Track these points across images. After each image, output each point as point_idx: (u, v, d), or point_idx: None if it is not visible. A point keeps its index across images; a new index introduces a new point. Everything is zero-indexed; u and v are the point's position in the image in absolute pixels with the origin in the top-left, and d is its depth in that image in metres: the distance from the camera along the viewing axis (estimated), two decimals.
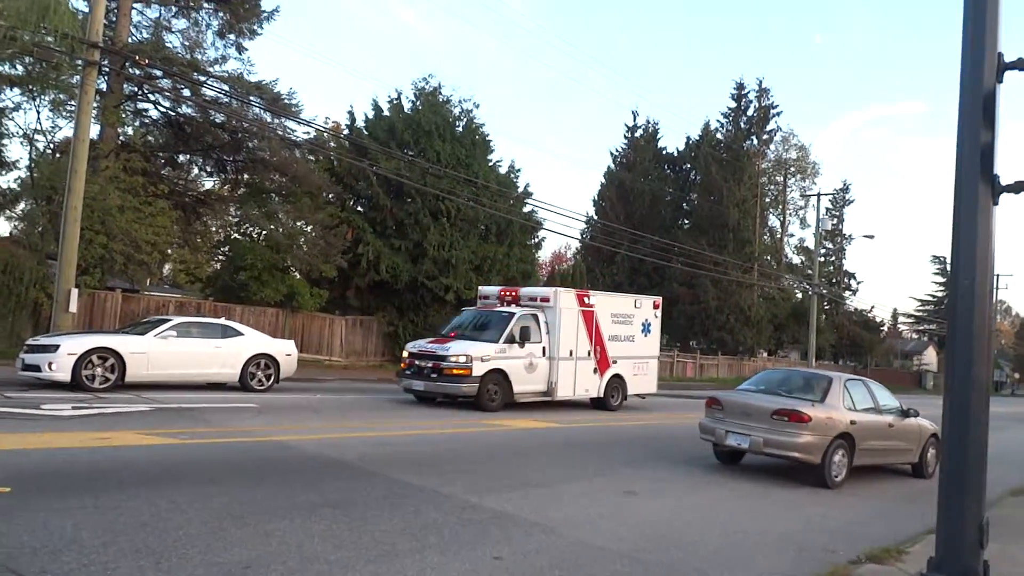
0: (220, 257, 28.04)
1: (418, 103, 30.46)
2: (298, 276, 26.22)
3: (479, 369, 15.60)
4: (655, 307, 20.10)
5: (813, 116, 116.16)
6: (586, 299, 18.03)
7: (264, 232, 25.68)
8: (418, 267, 28.31)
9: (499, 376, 15.93)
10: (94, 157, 19.37)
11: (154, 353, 14.29)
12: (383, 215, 28.60)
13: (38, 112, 22.04)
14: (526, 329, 16.60)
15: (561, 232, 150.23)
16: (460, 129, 30.66)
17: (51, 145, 22.34)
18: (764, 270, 51.29)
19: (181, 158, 26.80)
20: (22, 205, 21.71)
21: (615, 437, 14.17)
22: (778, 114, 53.34)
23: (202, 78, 22.90)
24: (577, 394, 17.65)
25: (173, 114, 25.00)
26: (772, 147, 55.58)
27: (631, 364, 18.97)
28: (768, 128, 53.04)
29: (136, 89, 24.07)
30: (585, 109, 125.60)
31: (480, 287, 20.11)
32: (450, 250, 28.59)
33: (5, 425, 9.59)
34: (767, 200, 55.60)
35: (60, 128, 22.28)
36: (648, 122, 53.41)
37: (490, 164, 31.48)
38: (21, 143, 21.96)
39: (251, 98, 23.96)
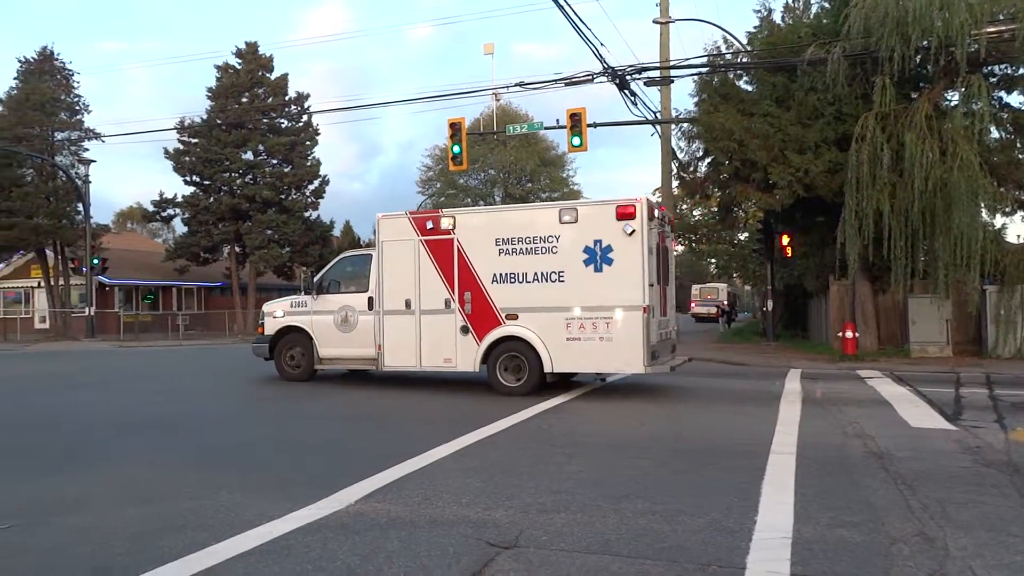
0: None
1: None
2: None
3: (271, 326, 14.19)
4: (623, 215, 11.14)
5: None
6: (432, 223, 12.47)
7: None
8: None
9: (298, 336, 13.89)
10: None
11: None
12: None
13: None
14: (349, 273, 13.81)
15: None
16: None
17: None
18: None
19: None
20: None
21: None
22: None
23: None
24: (426, 364, 12.46)
25: None
26: None
27: (557, 321, 11.56)
28: None
29: None
30: None
31: None
32: None
33: None
34: None
35: None
36: None
37: None
38: None
39: None
